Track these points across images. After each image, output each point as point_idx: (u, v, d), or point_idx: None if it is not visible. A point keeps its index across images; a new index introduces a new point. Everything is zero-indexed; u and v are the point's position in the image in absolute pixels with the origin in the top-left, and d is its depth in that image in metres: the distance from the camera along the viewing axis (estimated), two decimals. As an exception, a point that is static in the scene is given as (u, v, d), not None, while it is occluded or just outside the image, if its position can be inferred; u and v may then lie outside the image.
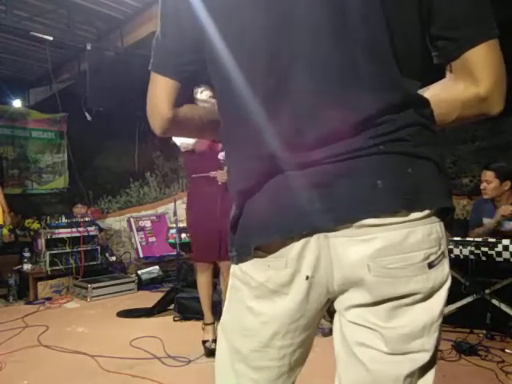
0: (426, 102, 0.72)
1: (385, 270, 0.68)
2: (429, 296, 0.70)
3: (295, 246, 0.71)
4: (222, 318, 0.85)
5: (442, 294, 0.72)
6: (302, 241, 0.70)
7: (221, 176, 2.66)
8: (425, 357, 0.71)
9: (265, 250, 0.74)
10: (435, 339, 0.72)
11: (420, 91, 0.75)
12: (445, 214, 0.72)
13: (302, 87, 0.69)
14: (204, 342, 2.75)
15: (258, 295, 0.76)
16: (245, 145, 0.75)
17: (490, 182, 3.13)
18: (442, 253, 0.71)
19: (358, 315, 0.72)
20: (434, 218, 0.70)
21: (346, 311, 0.74)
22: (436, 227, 0.70)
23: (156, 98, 0.83)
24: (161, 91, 0.82)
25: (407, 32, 0.70)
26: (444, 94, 0.76)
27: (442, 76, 0.77)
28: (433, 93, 0.76)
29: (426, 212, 0.69)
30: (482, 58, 0.71)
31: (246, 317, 0.78)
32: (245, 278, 0.78)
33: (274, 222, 0.72)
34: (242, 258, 0.77)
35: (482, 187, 3.19)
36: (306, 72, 0.69)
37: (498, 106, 0.74)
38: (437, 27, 0.72)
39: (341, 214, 0.68)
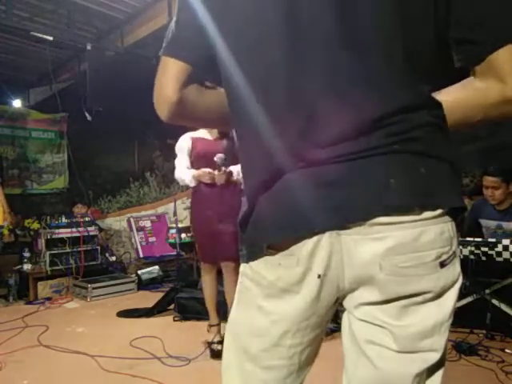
0: (438, 104, 0.72)
1: (396, 268, 0.68)
2: (440, 295, 0.70)
3: (307, 244, 0.70)
4: (229, 317, 0.85)
5: (453, 294, 0.72)
6: (314, 238, 0.70)
7: (218, 178, 2.66)
8: (434, 356, 0.71)
9: (275, 248, 0.74)
10: (445, 339, 0.72)
11: (441, 91, 0.74)
12: (456, 214, 0.72)
13: (315, 89, 0.69)
14: (209, 343, 2.73)
15: (269, 294, 0.76)
16: (256, 142, 0.75)
17: (497, 188, 3.05)
18: (454, 252, 0.71)
19: (368, 313, 0.72)
20: (446, 218, 0.70)
21: (355, 309, 0.74)
22: (448, 226, 0.70)
23: (164, 82, 0.81)
24: (170, 75, 0.80)
25: (420, 33, 0.70)
26: (468, 96, 0.74)
27: (456, 77, 0.76)
28: (456, 94, 0.75)
29: (439, 211, 0.69)
30: (509, 59, 0.69)
31: (256, 316, 0.78)
32: (255, 277, 0.77)
33: (287, 219, 0.71)
34: (252, 257, 0.77)
35: (488, 193, 3.10)
36: (318, 74, 0.69)
37: None
38: (458, 29, 0.71)
39: (353, 212, 0.68)
